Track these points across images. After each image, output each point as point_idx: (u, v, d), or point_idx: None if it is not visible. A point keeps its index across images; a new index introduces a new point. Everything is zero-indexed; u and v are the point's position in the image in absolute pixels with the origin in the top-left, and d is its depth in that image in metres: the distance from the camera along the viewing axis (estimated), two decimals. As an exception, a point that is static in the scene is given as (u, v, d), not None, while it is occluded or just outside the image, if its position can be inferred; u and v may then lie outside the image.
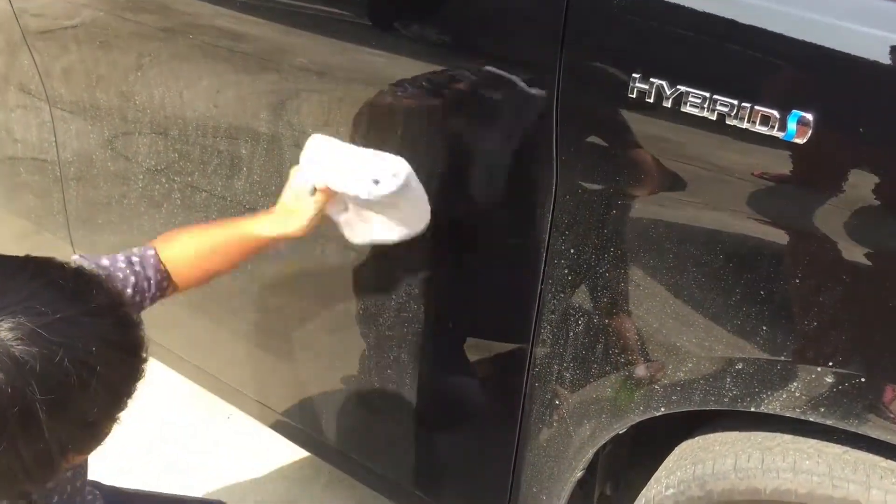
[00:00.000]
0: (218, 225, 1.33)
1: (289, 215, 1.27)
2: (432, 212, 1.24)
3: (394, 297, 1.42)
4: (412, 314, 1.41)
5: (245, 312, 1.77)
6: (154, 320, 1.99)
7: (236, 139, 1.55)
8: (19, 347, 0.81)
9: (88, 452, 0.93)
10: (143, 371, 0.95)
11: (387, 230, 1.24)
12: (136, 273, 1.21)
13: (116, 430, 0.95)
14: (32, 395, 0.81)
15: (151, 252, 1.25)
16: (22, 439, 0.82)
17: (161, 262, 1.25)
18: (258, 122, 1.49)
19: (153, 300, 1.25)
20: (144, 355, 0.95)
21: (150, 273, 1.23)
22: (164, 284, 1.27)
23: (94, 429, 0.90)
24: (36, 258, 0.95)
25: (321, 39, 1.35)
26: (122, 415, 0.94)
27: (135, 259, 1.23)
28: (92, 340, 0.86)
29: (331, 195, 1.25)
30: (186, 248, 1.29)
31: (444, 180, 1.28)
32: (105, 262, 1.19)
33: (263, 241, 1.30)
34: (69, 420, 0.86)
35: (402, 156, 1.20)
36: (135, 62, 1.66)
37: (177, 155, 1.66)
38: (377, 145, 1.29)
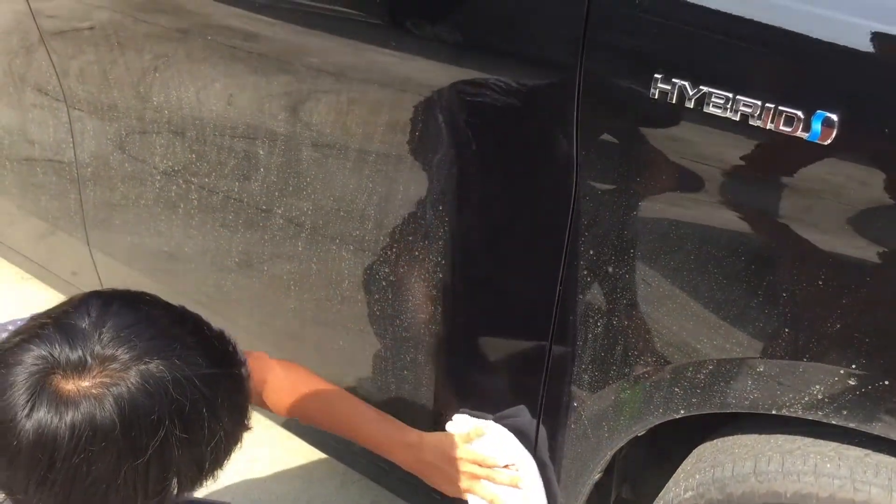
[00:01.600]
0: (350, 404, 1.41)
1: (433, 463, 1.34)
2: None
3: (411, 298, 1.42)
4: (429, 315, 1.41)
5: (260, 312, 1.78)
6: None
7: (253, 140, 1.55)
8: (174, 387, 0.92)
9: (183, 494, 1.01)
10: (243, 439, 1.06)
11: None
12: None
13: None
14: (173, 429, 0.92)
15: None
16: (154, 463, 0.92)
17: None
18: (275, 123, 1.49)
19: None
20: (249, 424, 1.06)
21: None
22: None
23: (203, 475, 1.00)
24: (192, 314, 1.07)
25: (337, 40, 1.35)
26: (218, 472, 1.04)
27: None
28: (227, 400, 0.98)
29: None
30: (284, 391, 1.40)
31: (462, 181, 1.28)
32: None
33: (371, 446, 1.39)
34: (191, 461, 0.96)
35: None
36: (151, 63, 1.66)
37: (194, 156, 1.67)
38: (398, 150, 1.29)
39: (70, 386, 0.89)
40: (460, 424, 1.39)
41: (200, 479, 1.00)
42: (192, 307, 1.88)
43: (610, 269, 1.14)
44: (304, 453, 2.12)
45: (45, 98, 1.96)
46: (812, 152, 0.91)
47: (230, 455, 1.03)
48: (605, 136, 1.08)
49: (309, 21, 1.38)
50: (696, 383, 1.10)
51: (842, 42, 0.88)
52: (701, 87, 0.95)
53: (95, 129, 1.87)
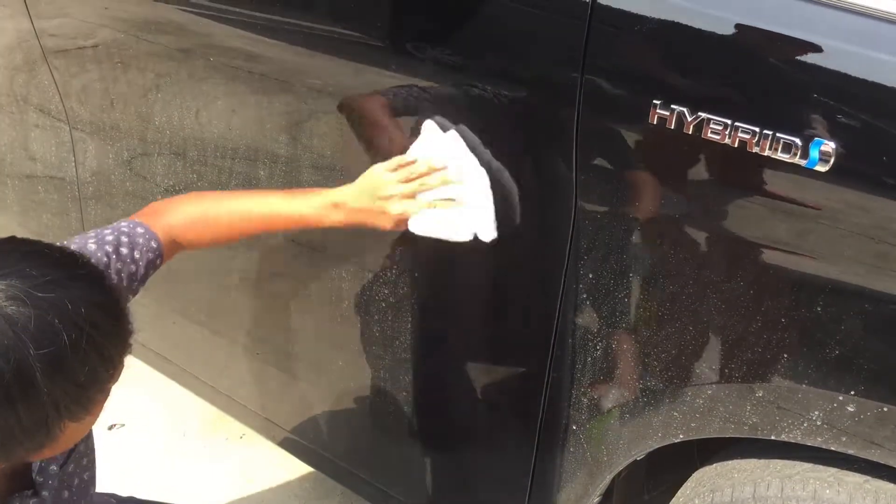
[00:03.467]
0: (263, 202, 1.31)
1: (364, 208, 1.25)
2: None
3: (410, 319, 1.42)
4: (428, 337, 1.41)
5: (260, 332, 1.78)
6: (170, 340, 1.99)
7: (254, 159, 1.56)
8: (11, 307, 0.85)
9: (80, 420, 0.94)
10: (129, 342, 0.97)
11: (455, 229, 1.22)
12: (123, 258, 1.19)
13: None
14: (26, 352, 0.84)
15: (142, 230, 1.23)
16: (19, 396, 0.85)
17: (154, 237, 1.24)
18: (275, 143, 1.50)
19: (144, 280, 1.24)
20: (130, 326, 0.97)
21: (139, 255, 1.22)
22: (157, 263, 1.25)
23: (86, 392, 0.92)
24: (21, 237, 0.98)
25: (337, 61, 1.36)
26: (113, 387, 0.96)
27: (123, 241, 1.20)
28: (80, 302, 0.89)
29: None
30: (196, 220, 1.30)
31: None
32: (91, 246, 1.17)
33: (303, 224, 1.30)
34: (62, 380, 0.88)
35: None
36: (153, 83, 1.67)
37: (195, 175, 1.67)
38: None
39: None
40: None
41: (89, 396, 0.92)
42: (189, 325, 1.88)
43: (609, 293, 1.14)
44: (302, 473, 2.11)
45: (47, 118, 1.97)
46: (810, 179, 0.91)
47: (118, 363, 0.95)
48: (605, 161, 1.09)
49: (310, 43, 1.39)
50: (695, 407, 1.10)
51: (840, 70, 0.89)
52: (699, 113, 0.95)
53: (97, 148, 1.88)
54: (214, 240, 1.34)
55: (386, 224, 1.26)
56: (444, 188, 1.21)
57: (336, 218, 1.29)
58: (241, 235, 1.38)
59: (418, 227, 1.24)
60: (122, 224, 1.23)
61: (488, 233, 1.20)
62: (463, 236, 1.21)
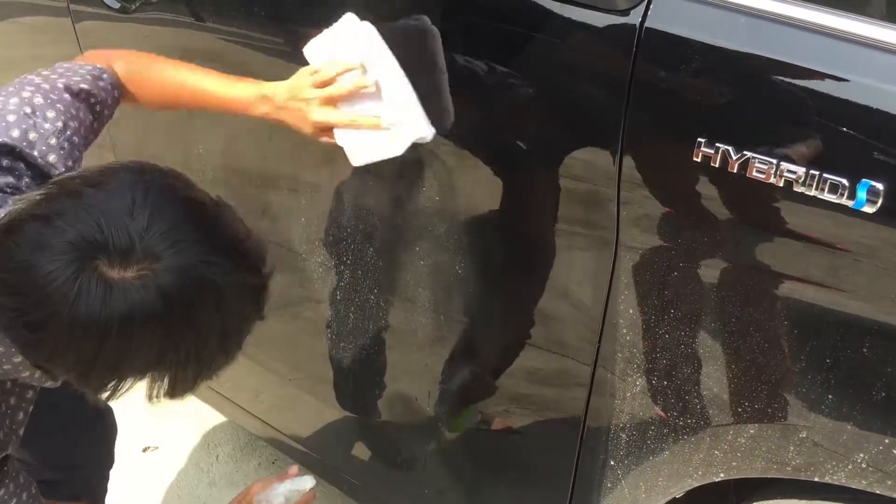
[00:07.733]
0: (198, 77, 1.35)
1: (287, 106, 1.26)
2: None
3: (450, 353, 1.42)
4: (465, 371, 1.41)
5: (293, 358, 1.79)
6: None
7: (295, 190, 1.57)
8: (165, 275, 0.89)
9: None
10: (261, 311, 1.02)
11: (391, 145, 1.21)
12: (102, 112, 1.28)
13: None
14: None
15: (109, 77, 1.30)
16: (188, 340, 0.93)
17: (117, 86, 1.32)
18: (317, 172, 1.52)
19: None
20: (263, 311, 1.02)
21: (110, 101, 1.30)
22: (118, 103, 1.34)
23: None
24: (223, 206, 1.03)
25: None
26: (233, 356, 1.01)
27: (98, 94, 1.26)
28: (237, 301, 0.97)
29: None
30: (134, 77, 1.36)
31: (504, 238, 1.29)
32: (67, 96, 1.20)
33: (232, 108, 1.34)
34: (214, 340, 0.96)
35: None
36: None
37: (237, 202, 1.69)
38: (441, 207, 1.31)
39: (114, 273, 0.88)
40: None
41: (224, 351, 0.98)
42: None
43: (650, 329, 1.14)
44: (334, 500, 2.11)
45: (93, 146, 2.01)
46: (857, 220, 0.90)
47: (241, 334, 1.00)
48: (647, 197, 1.09)
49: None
50: (736, 447, 1.09)
51: (888, 110, 0.88)
52: (744, 151, 0.95)
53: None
54: (145, 101, 1.39)
55: (307, 129, 1.27)
56: (366, 103, 1.20)
57: (263, 110, 1.30)
58: (171, 104, 1.42)
59: (353, 153, 1.25)
60: (89, 68, 1.27)
61: (425, 134, 1.18)
62: (400, 150, 1.20)
